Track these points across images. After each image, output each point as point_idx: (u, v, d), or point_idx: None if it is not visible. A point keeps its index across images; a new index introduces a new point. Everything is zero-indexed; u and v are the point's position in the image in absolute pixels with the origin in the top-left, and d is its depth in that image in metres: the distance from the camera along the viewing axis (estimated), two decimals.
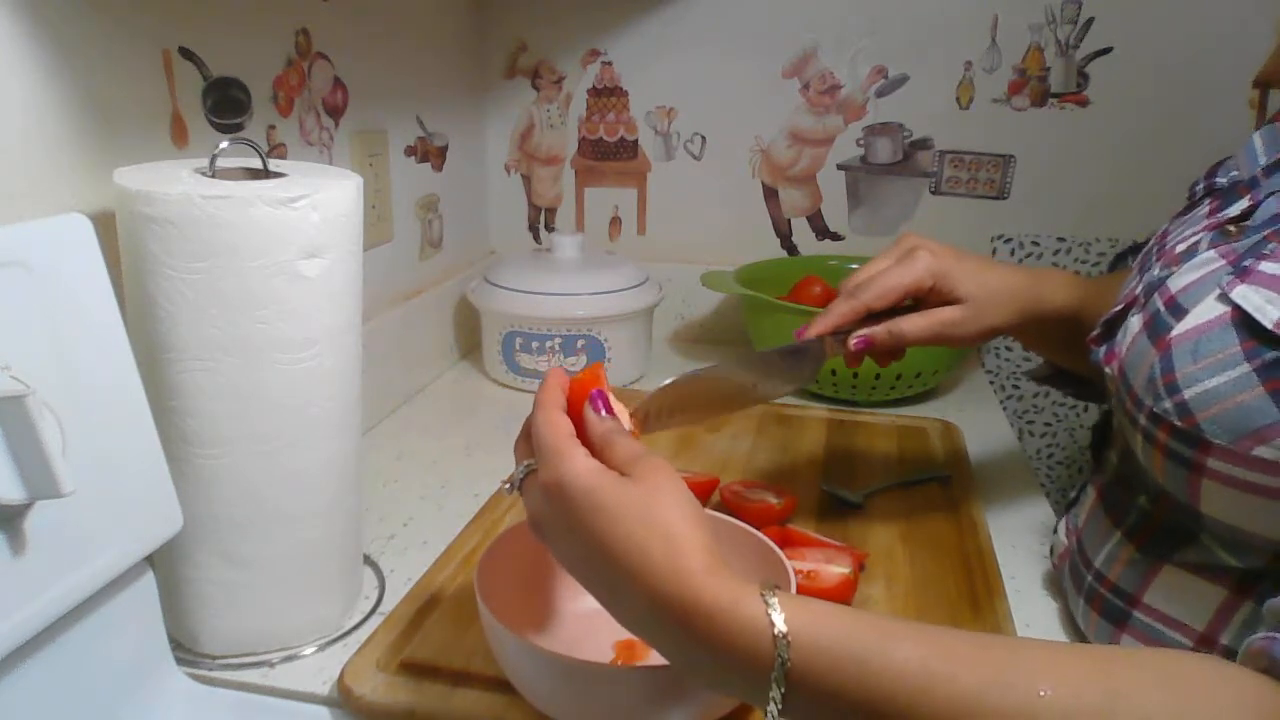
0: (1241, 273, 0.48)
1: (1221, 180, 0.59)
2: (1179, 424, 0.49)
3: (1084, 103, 1.15)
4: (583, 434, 0.46)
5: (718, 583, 0.39)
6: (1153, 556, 0.55)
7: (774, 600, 0.38)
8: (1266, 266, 0.47)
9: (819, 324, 0.66)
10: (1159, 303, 0.53)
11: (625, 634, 0.59)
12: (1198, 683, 0.38)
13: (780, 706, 0.37)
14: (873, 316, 0.66)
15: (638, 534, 0.40)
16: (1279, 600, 0.42)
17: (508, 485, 0.48)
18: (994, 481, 0.88)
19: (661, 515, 0.40)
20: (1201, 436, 0.47)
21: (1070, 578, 0.64)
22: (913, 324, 0.65)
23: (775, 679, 0.37)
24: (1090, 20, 1.12)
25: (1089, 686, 0.37)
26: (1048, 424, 1.28)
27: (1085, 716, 0.36)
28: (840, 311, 0.66)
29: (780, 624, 0.37)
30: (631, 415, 0.51)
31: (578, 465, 0.42)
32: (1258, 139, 0.57)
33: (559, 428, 0.45)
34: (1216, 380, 0.47)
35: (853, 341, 0.66)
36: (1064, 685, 0.36)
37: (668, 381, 0.54)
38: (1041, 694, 0.36)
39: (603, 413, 0.46)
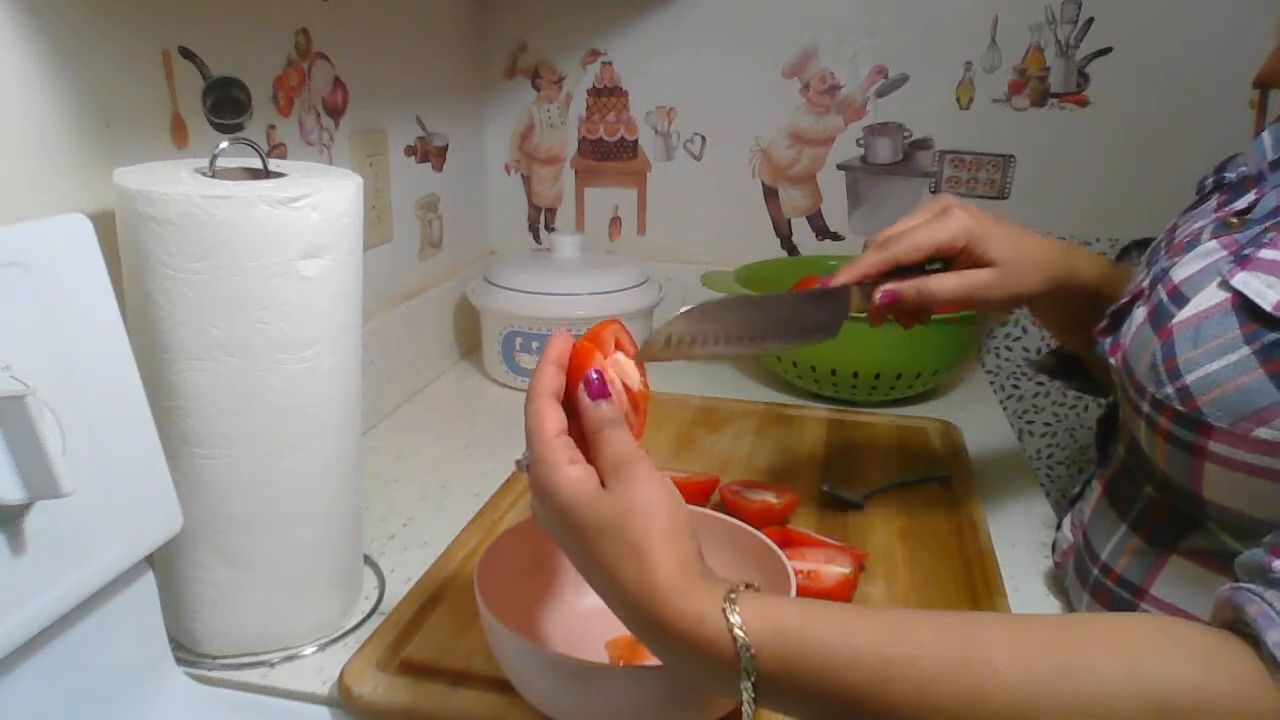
0: (1242, 260, 0.49)
1: (1230, 175, 0.60)
2: (1180, 408, 0.49)
3: (1084, 103, 1.15)
4: (576, 419, 0.46)
5: (684, 601, 0.40)
6: (1159, 546, 0.56)
7: (734, 611, 0.40)
8: (1266, 253, 0.48)
9: (846, 272, 0.64)
10: (1162, 293, 0.54)
11: (618, 633, 0.59)
12: (1149, 643, 0.39)
13: (753, 707, 0.40)
14: (900, 273, 0.64)
15: (610, 552, 0.42)
16: (1251, 554, 0.43)
17: (517, 462, 0.49)
18: (994, 481, 0.88)
19: (634, 533, 0.41)
20: (1203, 420, 0.48)
21: (1075, 573, 0.64)
22: (942, 284, 0.63)
23: (744, 686, 0.39)
24: (1090, 20, 1.12)
25: (1042, 657, 0.38)
26: (1048, 424, 1.28)
27: (1039, 685, 0.37)
28: (869, 261, 0.64)
29: (741, 635, 0.39)
30: (642, 350, 0.51)
31: (558, 476, 0.43)
32: (1267, 136, 0.58)
33: (545, 428, 0.45)
34: (1217, 364, 0.48)
35: (879, 294, 0.64)
36: (1017, 658, 0.38)
37: (687, 308, 0.54)
38: (999, 669, 0.37)
39: (598, 401, 0.46)
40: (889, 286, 0.64)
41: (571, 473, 0.43)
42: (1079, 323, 0.72)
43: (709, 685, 0.43)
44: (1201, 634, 0.40)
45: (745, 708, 0.40)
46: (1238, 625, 0.40)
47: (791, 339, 0.63)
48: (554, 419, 0.45)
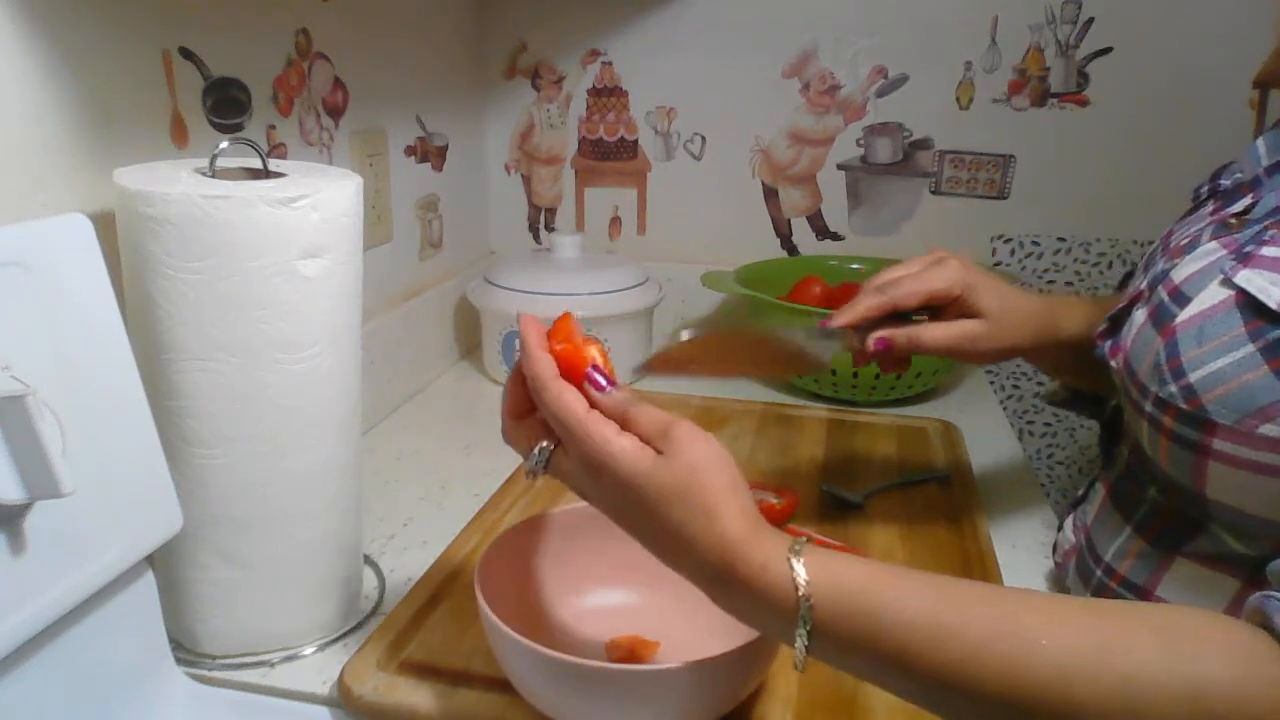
0: (1243, 258, 0.49)
1: (1225, 182, 0.60)
2: (1184, 407, 0.49)
3: (1084, 103, 1.15)
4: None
5: (752, 549, 0.43)
6: (1164, 549, 0.56)
7: (799, 563, 0.42)
8: (1268, 251, 0.48)
9: (844, 315, 0.66)
10: (1163, 294, 0.54)
11: (619, 633, 0.60)
12: (1189, 631, 0.39)
13: (805, 653, 0.42)
14: (892, 319, 0.66)
15: (679, 515, 0.43)
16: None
17: (529, 473, 0.48)
18: (994, 481, 0.88)
19: (699, 493, 0.43)
20: (1207, 418, 0.48)
21: (1077, 574, 0.64)
22: (933, 333, 0.65)
23: (799, 633, 0.42)
24: (1090, 20, 1.12)
25: (1084, 636, 0.39)
26: (1048, 424, 1.28)
27: (1080, 663, 0.38)
28: (867, 305, 0.65)
29: (803, 584, 0.41)
30: (646, 366, 0.55)
31: (612, 449, 0.44)
32: (1261, 143, 0.58)
33: (575, 407, 0.45)
34: (1221, 362, 0.48)
35: (872, 341, 0.65)
36: (1061, 635, 0.39)
37: (687, 336, 0.57)
38: (1042, 643, 0.39)
39: (607, 388, 0.46)
40: (883, 334, 0.65)
41: (624, 443, 0.44)
42: (1074, 370, 0.74)
43: (767, 629, 0.45)
44: (1239, 628, 0.40)
45: (798, 655, 0.42)
46: (1270, 628, 0.40)
47: (782, 374, 0.66)
48: (577, 398, 0.46)
